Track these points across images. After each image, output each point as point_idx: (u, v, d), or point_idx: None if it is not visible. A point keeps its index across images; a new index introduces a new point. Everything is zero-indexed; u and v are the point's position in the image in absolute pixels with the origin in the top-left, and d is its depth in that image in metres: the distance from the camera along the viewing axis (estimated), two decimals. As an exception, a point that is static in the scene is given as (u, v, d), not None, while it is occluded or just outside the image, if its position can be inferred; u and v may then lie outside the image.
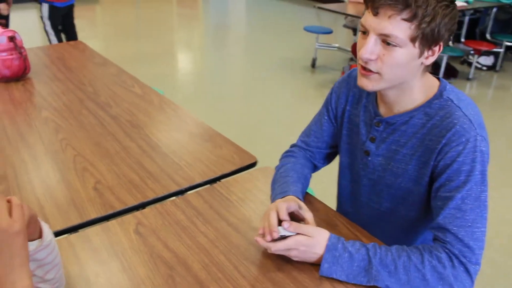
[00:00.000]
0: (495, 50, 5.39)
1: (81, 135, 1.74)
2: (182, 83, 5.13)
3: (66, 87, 2.25)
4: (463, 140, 1.03)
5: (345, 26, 5.78)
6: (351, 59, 5.61)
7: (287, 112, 4.29)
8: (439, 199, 1.07)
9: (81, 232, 1.21)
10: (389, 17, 0.98)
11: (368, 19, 1.03)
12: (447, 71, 5.11)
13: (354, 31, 5.50)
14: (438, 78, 1.16)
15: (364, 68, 1.07)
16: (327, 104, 1.36)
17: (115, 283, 1.03)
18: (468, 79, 5.35)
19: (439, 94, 1.11)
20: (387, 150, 1.20)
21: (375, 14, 1.01)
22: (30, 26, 6.94)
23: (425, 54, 1.04)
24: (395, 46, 1.01)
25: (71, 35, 4.80)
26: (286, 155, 1.41)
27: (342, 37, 6.71)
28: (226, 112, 4.26)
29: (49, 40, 4.58)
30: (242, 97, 4.69)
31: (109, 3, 9.64)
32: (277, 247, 1.06)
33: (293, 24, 7.87)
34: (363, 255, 1.03)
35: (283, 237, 1.06)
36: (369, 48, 1.03)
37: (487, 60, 5.67)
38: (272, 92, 4.79)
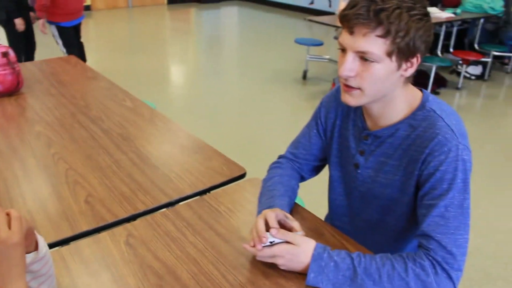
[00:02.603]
0: (483, 59, 5.49)
1: (73, 148, 1.76)
2: (175, 96, 5.16)
3: (58, 101, 2.27)
4: (445, 149, 1.06)
5: (335, 38, 5.84)
6: (342, 70, 5.65)
7: (279, 123, 4.33)
8: (423, 207, 1.10)
9: (73, 244, 1.23)
10: (364, 35, 1.02)
11: (345, 38, 1.06)
12: (436, 81, 5.18)
13: (345, 42, 5.55)
14: (421, 90, 1.19)
15: (346, 85, 1.10)
16: (316, 118, 1.38)
17: (105, 294, 1.05)
18: (457, 88, 5.42)
19: (422, 106, 1.14)
20: (376, 163, 1.22)
21: (351, 33, 1.04)
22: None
23: (403, 66, 1.07)
24: (373, 61, 1.04)
25: (78, 55, 4.56)
26: (274, 166, 1.43)
27: (333, 49, 6.77)
28: (218, 124, 4.29)
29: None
30: (233, 109, 4.73)
31: (102, 17, 9.68)
32: (263, 253, 1.09)
33: (285, 37, 7.94)
34: (348, 264, 1.05)
35: (271, 244, 1.08)
36: (348, 66, 1.06)
37: (476, 70, 5.76)
38: (263, 103, 4.83)
